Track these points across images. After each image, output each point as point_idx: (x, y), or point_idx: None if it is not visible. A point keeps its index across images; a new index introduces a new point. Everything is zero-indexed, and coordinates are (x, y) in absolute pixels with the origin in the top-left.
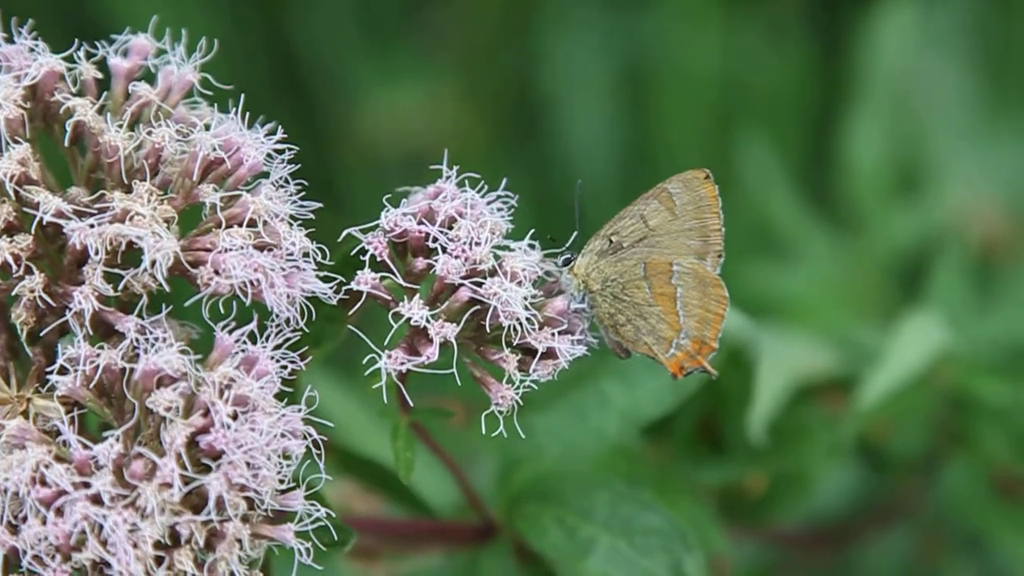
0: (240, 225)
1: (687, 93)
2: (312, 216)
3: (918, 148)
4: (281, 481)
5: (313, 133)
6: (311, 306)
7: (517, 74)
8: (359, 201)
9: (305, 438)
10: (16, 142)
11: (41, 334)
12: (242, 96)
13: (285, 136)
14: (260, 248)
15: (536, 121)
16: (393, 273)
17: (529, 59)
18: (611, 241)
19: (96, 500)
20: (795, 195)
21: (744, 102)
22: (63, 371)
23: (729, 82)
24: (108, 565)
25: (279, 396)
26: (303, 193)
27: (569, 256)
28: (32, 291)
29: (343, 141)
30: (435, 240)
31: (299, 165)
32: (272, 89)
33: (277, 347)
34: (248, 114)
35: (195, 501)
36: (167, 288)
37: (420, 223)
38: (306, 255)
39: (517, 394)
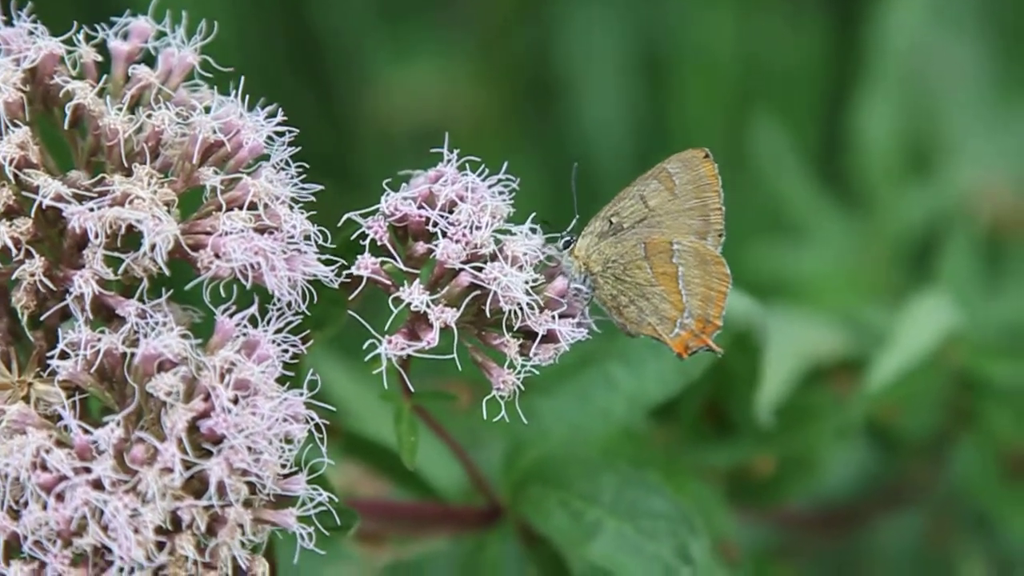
0: (241, 208)
1: (703, 71)
2: (314, 199)
3: (930, 126)
4: (283, 465)
5: (328, 110)
6: (313, 289)
7: (533, 51)
8: (374, 177)
9: (307, 422)
10: (16, 125)
11: (42, 318)
12: (242, 78)
13: (285, 119)
14: (261, 231)
15: (552, 98)
16: (394, 258)
17: (545, 36)
18: (611, 222)
19: (97, 485)
20: (807, 176)
21: (760, 80)
22: (64, 356)
23: (745, 60)
24: (109, 550)
25: (281, 380)
26: (317, 169)
27: (569, 239)
28: (32, 275)
29: (358, 117)
30: (435, 224)
31: (314, 141)
32: (288, 65)
33: (278, 331)
34: (256, 94)
35: (196, 486)
36: (167, 272)
37: (420, 207)
38: (307, 238)
39: (518, 379)
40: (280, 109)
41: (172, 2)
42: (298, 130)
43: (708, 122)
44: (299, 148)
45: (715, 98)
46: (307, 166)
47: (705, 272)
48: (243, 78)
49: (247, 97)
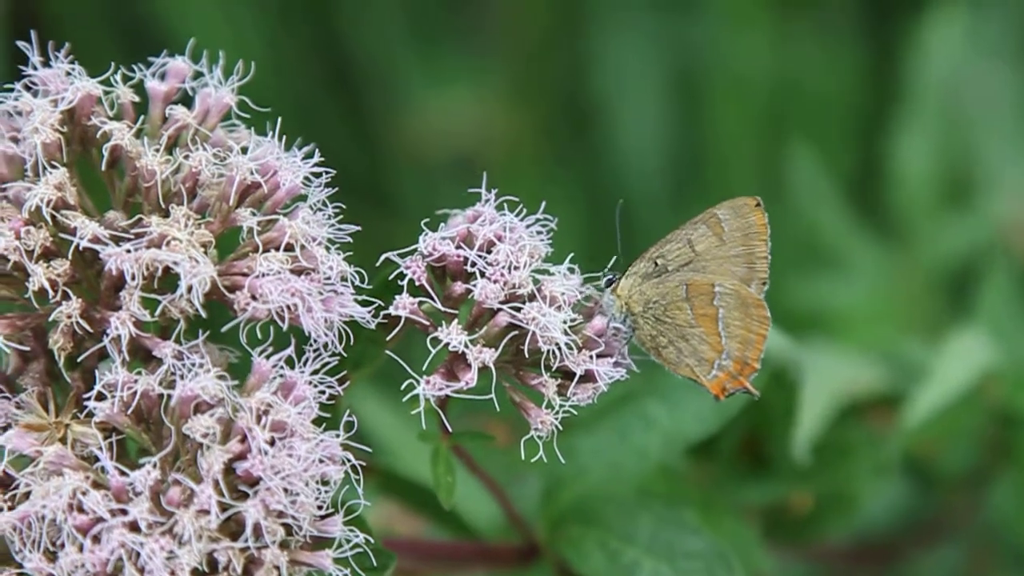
0: (277, 249)
1: (738, 96)
2: (350, 240)
3: (967, 156)
4: (320, 507)
5: (363, 134)
6: (349, 330)
7: (567, 75)
8: (409, 203)
9: (344, 463)
10: (53, 166)
11: (79, 359)
12: (279, 119)
13: (323, 159)
14: (297, 272)
15: (586, 123)
16: (432, 298)
17: (579, 60)
18: (656, 264)
19: (133, 527)
20: (844, 206)
21: (795, 106)
22: (101, 397)
23: (780, 86)
24: None
25: (318, 421)
26: (352, 195)
27: (612, 277)
28: (70, 317)
29: (393, 142)
30: (474, 264)
31: (349, 167)
32: (322, 90)
33: (315, 372)
34: (290, 119)
35: (232, 528)
36: (204, 313)
37: (458, 247)
38: (344, 279)
39: (556, 419)
40: (316, 147)
41: (208, 30)
42: (334, 159)
43: (742, 147)
44: (335, 176)
45: (749, 123)
46: (344, 200)
47: (745, 315)
48: (280, 119)
49: (284, 137)
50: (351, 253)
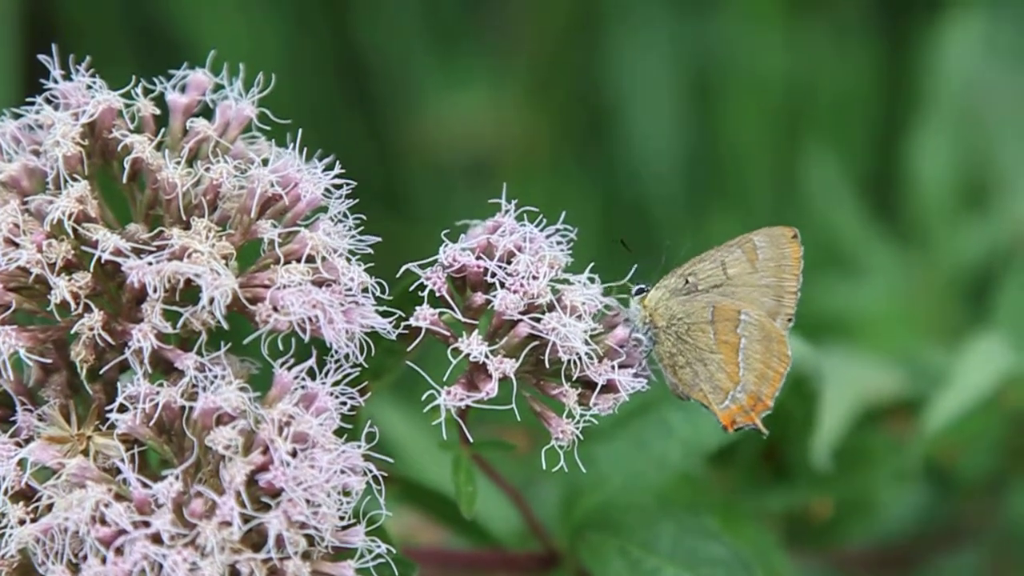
0: (299, 261)
1: (753, 96)
2: (371, 251)
3: (984, 160)
4: (342, 517)
5: (378, 137)
6: (370, 341)
7: (583, 76)
8: (424, 205)
9: (365, 474)
10: (74, 179)
11: (101, 371)
12: (299, 131)
13: (343, 171)
14: (318, 284)
15: (602, 123)
16: (452, 308)
17: (595, 61)
18: (687, 281)
19: (156, 539)
20: (860, 209)
21: (810, 106)
22: (123, 409)
23: (795, 86)
24: None
25: (339, 431)
26: (367, 198)
27: (644, 286)
28: (91, 329)
29: (408, 144)
30: (493, 275)
31: (364, 170)
32: (337, 92)
33: (336, 383)
34: (306, 122)
35: (255, 539)
36: (226, 325)
37: (479, 258)
38: (365, 290)
39: (577, 428)
40: (336, 158)
41: (224, 32)
42: (348, 161)
43: (757, 147)
44: (351, 178)
45: (764, 123)
46: (358, 204)
47: (767, 349)
48: (297, 127)
49: (305, 149)
50: (371, 263)
